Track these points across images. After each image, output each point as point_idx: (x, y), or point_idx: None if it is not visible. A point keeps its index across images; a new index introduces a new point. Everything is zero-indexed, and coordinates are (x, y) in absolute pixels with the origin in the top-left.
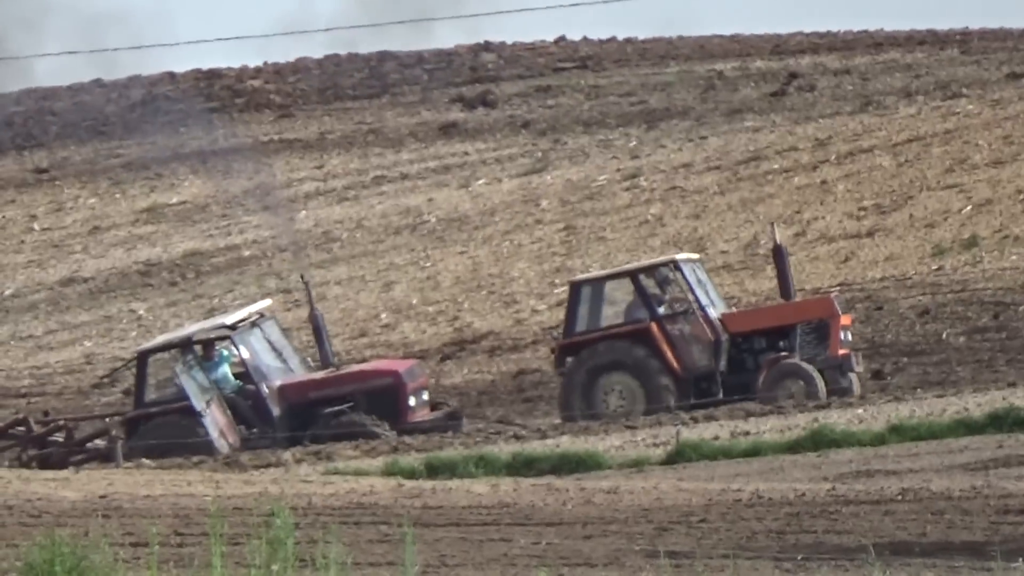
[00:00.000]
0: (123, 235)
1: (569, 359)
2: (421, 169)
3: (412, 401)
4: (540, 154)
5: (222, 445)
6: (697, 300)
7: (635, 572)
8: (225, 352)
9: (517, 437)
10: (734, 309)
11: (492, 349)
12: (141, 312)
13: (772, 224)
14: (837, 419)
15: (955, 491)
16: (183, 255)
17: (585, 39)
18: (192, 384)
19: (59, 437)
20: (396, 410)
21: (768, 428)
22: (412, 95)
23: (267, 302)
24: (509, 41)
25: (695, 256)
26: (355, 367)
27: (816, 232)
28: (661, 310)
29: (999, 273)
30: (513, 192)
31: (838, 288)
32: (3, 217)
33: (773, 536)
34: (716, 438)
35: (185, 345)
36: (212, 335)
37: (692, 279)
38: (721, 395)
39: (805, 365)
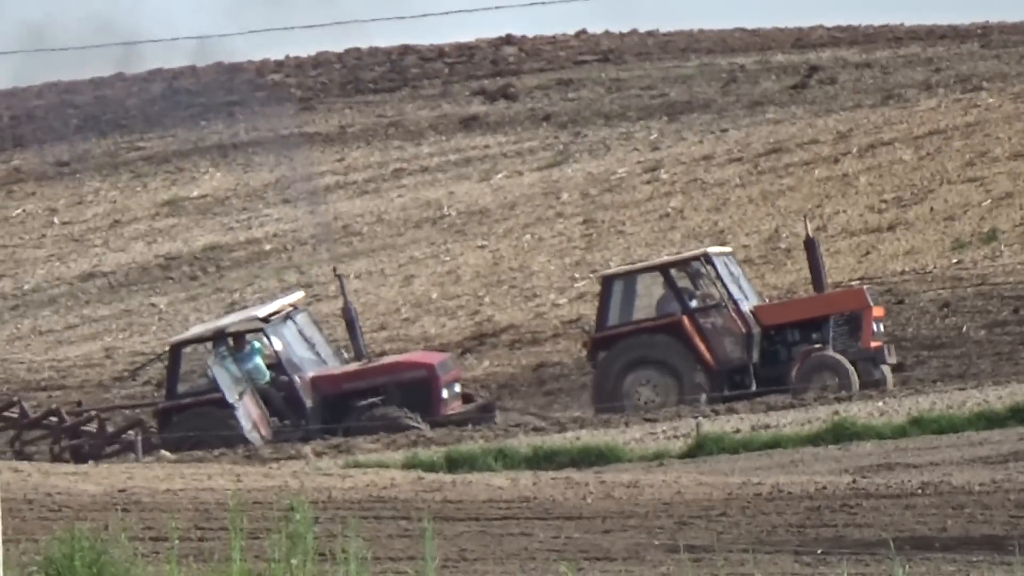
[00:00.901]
0: (143, 228)
1: (601, 353)
2: (442, 162)
3: (445, 393)
4: (561, 147)
5: (255, 437)
6: (729, 293)
7: (655, 566)
8: (257, 344)
9: (536, 430)
10: (767, 301)
11: (512, 342)
12: (161, 306)
13: (804, 216)
14: (858, 412)
15: (975, 485)
16: (203, 249)
17: (606, 32)
18: (225, 376)
19: (91, 428)
20: (429, 403)
21: (789, 421)
22: (433, 88)
23: (299, 294)
24: (530, 34)
25: (727, 249)
26: (388, 359)
27: (837, 226)
28: (693, 303)
29: (1019, 267)
30: (534, 185)
31: (858, 281)
32: (24, 211)
33: (793, 530)
34: (737, 431)
35: (218, 337)
36: (245, 327)
37: (724, 272)
38: (754, 387)
39: (838, 357)
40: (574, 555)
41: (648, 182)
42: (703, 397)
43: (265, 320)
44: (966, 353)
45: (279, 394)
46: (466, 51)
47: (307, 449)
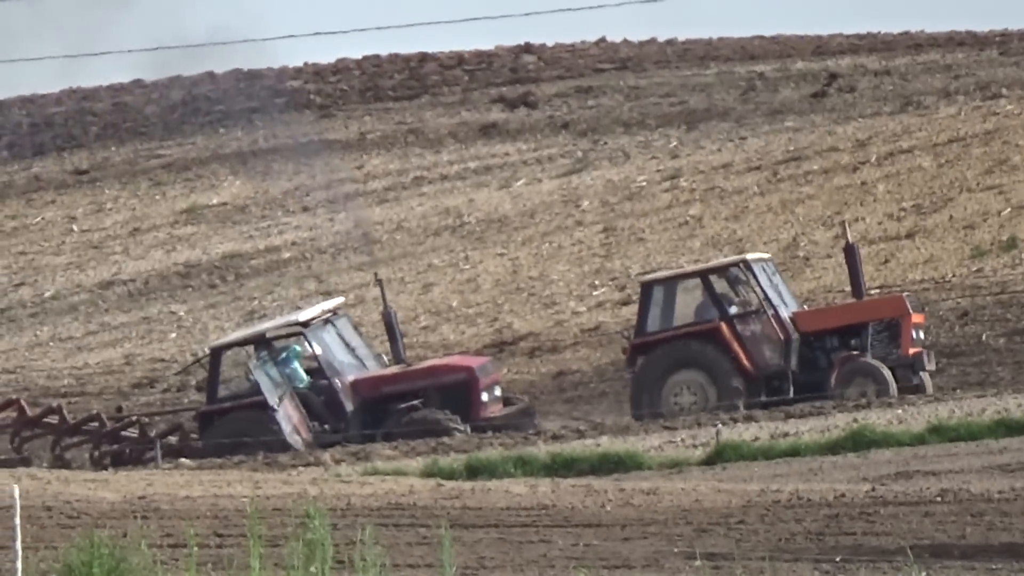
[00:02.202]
0: (163, 236)
1: (640, 358)
2: (461, 170)
3: (485, 397)
4: (580, 155)
5: (295, 440)
6: (767, 299)
7: (674, 574)
8: (297, 348)
9: (556, 438)
10: (806, 307)
11: (532, 350)
12: (181, 314)
13: (844, 223)
14: (877, 420)
15: (994, 492)
16: (223, 257)
17: (625, 40)
18: (266, 379)
19: (132, 433)
20: (469, 406)
21: (808, 429)
22: (452, 96)
23: (340, 299)
24: (550, 43)
25: (766, 255)
26: (428, 362)
27: (856, 234)
28: (732, 310)
29: None
30: (553, 193)
31: (877, 290)
32: (43, 219)
33: (812, 538)
34: (756, 439)
35: (259, 341)
36: (285, 331)
37: (763, 278)
38: (792, 394)
39: (877, 364)
40: (593, 563)
41: (667, 190)
42: (740, 404)
43: (305, 324)
44: (985, 361)
45: (319, 398)
46: (485, 59)
47: (326, 456)
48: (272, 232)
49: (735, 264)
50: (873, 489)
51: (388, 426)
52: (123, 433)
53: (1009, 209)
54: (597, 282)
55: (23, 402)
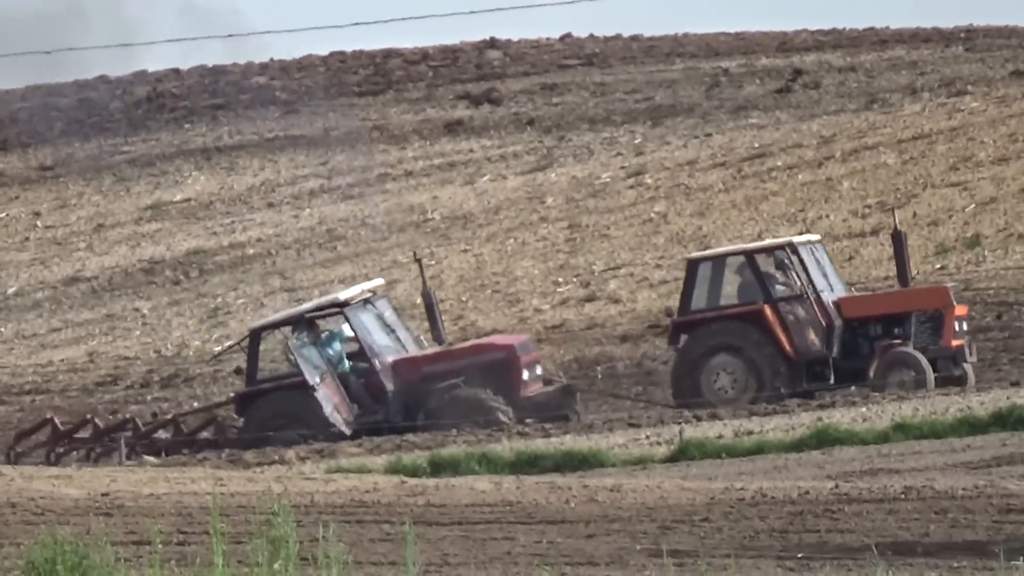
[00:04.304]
0: (127, 233)
1: (683, 336)
2: (426, 166)
3: (526, 375)
4: (545, 151)
5: (337, 419)
6: (812, 284)
7: (638, 571)
8: (337, 329)
9: (521, 435)
10: (853, 292)
11: None
12: (145, 311)
13: (892, 208)
14: (841, 418)
15: (958, 490)
16: (187, 253)
17: (591, 36)
18: (306, 360)
19: (165, 433)
20: (510, 384)
21: (772, 427)
22: (417, 92)
23: (379, 281)
24: (515, 38)
25: (815, 237)
26: (468, 342)
27: (821, 230)
28: (780, 291)
29: (1002, 272)
30: (518, 190)
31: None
32: (7, 215)
33: (776, 535)
34: (720, 436)
35: (298, 322)
36: (325, 312)
37: (809, 262)
38: (833, 381)
39: (916, 354)
40: (557, 560)
41: (632, 187)
42: (781, 386)
43: (345, 304)
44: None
45: (359, 380)
46: (450, 54)
47: (290, 454)
48: (236, 228)
49: (781, 247)
50: (837, 487)
51: (430, 405)
52: (154, 436)
53: (973, 206)
54: (561, 279)
55: (55, 419)
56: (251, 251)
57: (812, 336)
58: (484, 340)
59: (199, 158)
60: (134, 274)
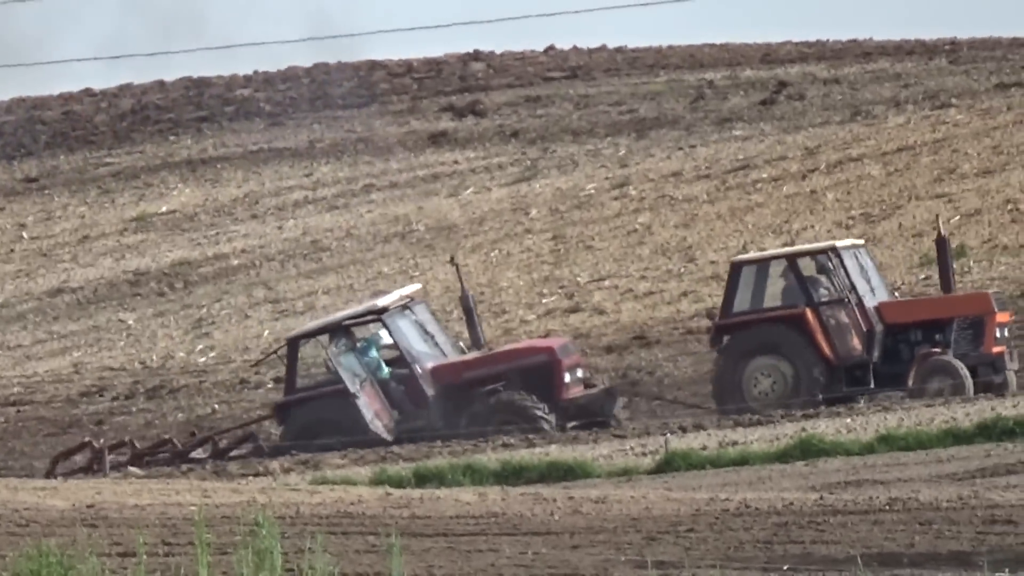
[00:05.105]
0: (112, 244)
1: (725, 337)
2: (410, 178)
3: (567, 378)
4: (529, 163)
5: (377, 427)
6: (854, 288)
7: None
8: (375, 336)
9: (506, 446)
10: (897, 297)
11: None
12: (130, 322)
13: (937, 217)
14: (825, 429)
15: (943, 501)
16: (171, 264)
17: (575, 48)
18: (345, 368)
19: (202, 453)
20: (552, 387)
21: (756, 437)
22: (401, 104)
23: (416, 286)
24: (499, 50)
25: (859, 242)
26: (509, 346)
27: (805, 241)
28: (823, 294)
29: (988, 283)
30: (502, 201)
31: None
32: None
33: (760, 546)
34: (704, 448)
35: (336, 329)
36: (363, 319)
37: (852, 266)
38: (872, 385)
39: (954, 361)
40: (542, 571)
41: (616, 198)
42: (819, 391)
43: (383, 311)
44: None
45: (399, 386)
46: (434, 67)
47: (275, 464)
48: (221, 240)
49: (824, 251)
50: (822, 498)
51: (473, 410)
52: (192, 455)
53: (958, 217)
54: (546, 290)
55: (93, 441)
56: (235, 262)
57: (853, 340)
58: (524, 344)
59: (184, 170)
60: (119, 285)
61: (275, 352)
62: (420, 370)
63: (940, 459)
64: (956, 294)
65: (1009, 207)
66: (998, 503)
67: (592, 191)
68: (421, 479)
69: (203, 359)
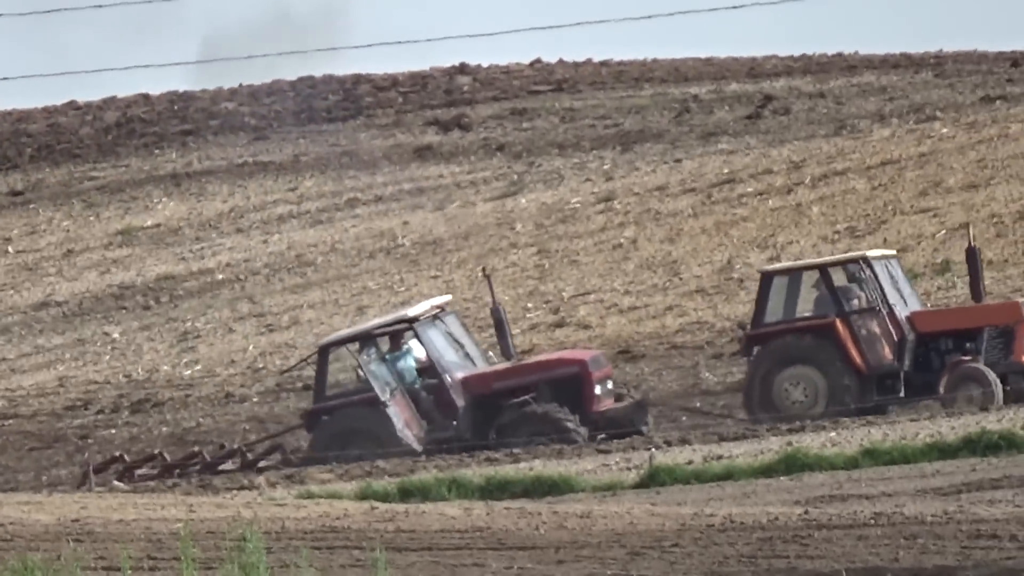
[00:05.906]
0: (97, 258)
1: (756, 347)
2: (395, 192)
3: (598, 390)
4: (515, 177)
5: (407, 436)
6: (885, 298)
7: None
8: (406, 345)
9: (490, 460)
10: (928, 306)
11: None
12: (115, 335)
13: (968, 225)
14: (810, 443)
15: (928, 516)
16: (156, 278)
17: (560, 62)
18: (375, 376)
19: (231, 465)
20: (582, 399)
21: (741, 452)
22: (386, 117)
23: (447, 297)
24: (484, 64)
25: (891, 252)
26: (539, 357)
27: (790, 256)
28: (854, 304)
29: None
30: (487, 215)
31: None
32: None
33: (745, 561)
34: (689, 462)
35: (367, 338)
36: (394, 328)
37: (883, 276)
38: (903, 394)
39: (984, 370)
40: None
41: (602, 212)
42: (851, 400)
43: (414, 320)
44: None
45: (428, 396)
46: (420, 80)
47: (260, 479)
48: (206, 254)
49: (855, 260)
50: (806, 512)
51: (502, 421)
52: (220, 467)
53: (943, 232)
54: (531, 304)
55: (124, 455)
56: (220, 276)
57: (884, 350)
58: (555, 355)
59: (168, 184)
60: (104, 299)
61: (306, 359)
62: (450, 380)
63: (925, 473)
64: (987, 303)
65: (995, 221)
66: (983, 518)
67: (577, 205)
68: (406, 494)
69: (188, 373)
